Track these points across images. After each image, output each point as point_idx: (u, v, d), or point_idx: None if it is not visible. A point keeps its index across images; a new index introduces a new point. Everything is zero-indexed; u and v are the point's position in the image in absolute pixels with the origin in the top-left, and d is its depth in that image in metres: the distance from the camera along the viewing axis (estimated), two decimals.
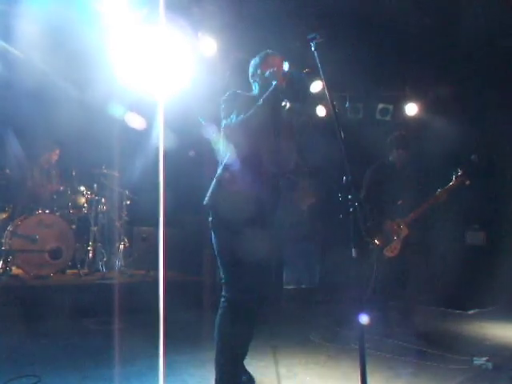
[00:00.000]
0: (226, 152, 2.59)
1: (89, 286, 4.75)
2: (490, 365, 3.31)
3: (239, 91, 2.64)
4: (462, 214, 6.93)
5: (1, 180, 5.02)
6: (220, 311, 2.56)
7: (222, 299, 2.53)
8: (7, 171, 5.07)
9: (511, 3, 4.69)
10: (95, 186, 5.70)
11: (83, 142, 5.96)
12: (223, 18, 5.35)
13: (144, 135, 6.24)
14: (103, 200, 5.73)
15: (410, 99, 6.77)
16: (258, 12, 5.30)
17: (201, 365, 3.16)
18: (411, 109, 6.78)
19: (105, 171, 5.73)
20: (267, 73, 2.52)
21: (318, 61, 2.25)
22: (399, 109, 6.82)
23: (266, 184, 2.53)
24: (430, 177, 5.44)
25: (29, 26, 4.61)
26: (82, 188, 5.50)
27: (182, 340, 3.78)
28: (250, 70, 2.76)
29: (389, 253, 4.21)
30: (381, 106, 6.75)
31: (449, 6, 5.02)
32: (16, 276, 4.70)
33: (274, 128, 2.56)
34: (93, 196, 5.64)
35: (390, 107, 6.79)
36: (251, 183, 2.47)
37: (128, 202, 5.85)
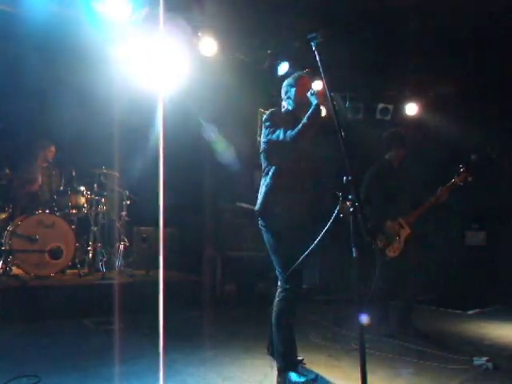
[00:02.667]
0: (270, 162, 2.98)
1: (89, 286, 4.74)
2: (489, 365, 3.32)
3: (276, 109, 3.12)
4: (462, 214, 6.93)
5: (1, 180, 5.02)
6: (279, 298, 2.98)
7: (280, 289, 2.99)
8: (7, 171, 5.07)
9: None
10: (95, 186, 5.70)
11: (83, 142, 5.96)
12: (223, 18, 5.34)
13: (144, 135, 6.25)
14: (103, 200, 5.73)
15: (410, 99, 6.78)
16: (258, 12, 5.30)
17: (201, 364, 3.17)
18: (411, 109, 6.79)
19: (105, 171, 5.73)
20: (309, 93, 2.88)
21: (318, 61, 2.25)
22: (399, 109, 6.83)
23: (306, 189, 3.02)
24: (429, 176, 5.44)
25: (29, 26, 4.61)
26: (82, 188, 5.49)
27: (181, 340, 3.78)
28: (284, 89, 3.16)
29: (391, 253, 4.21)
30: (381, 105, 6.75)
31: (449, 6, 5.02)
32: (16, 276, 4.70)
33: (311, 141, 3.04)
34: (93, 196, 5.63)
35: (390, 107, 6.79)
36: (297, 190, 2.94)
37: (128, 202, 5.85)
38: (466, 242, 7.09)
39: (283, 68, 6.12)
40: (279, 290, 3.00)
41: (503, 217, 6.77)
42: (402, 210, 4.25)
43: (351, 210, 1.97)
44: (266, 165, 3.03)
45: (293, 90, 3.09)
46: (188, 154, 6.47)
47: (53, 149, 5.71)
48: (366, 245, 1.98)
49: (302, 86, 3.04)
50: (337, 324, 4.53)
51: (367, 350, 2.17)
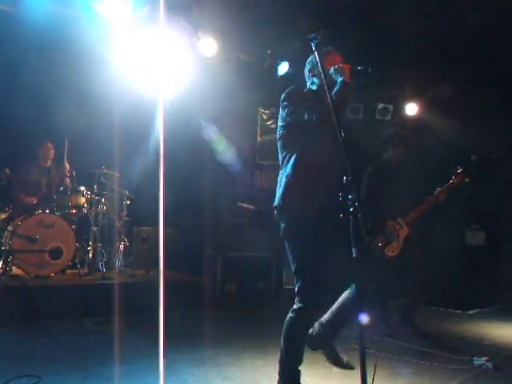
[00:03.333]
0: (291, 149, 2.57)
1: (89, 286, 4.74)
2: (489, 365, 3.32)
3: (297, 88, 2.69)
4: (462, 214, 6.93)
5: (1, 180, 5.02)
6: (290, 319, 2.55)
7: (294, 306, 2.53)
8: (7, 171, 5.07)
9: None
10: (95, 186, 5.70)
11: (83, 142, 5.96)
12: (223, 18, 5.34)
13: (144, 135, 6.24)
14: (103, 200, 5.73)
15: (410, 99, 6.78)
16: (258, 12, 5.30)
17: (201, 364, 3.17)
18: (411, 109, 6.79)
19: (105, 171, 5.73)
20: (331, 69, 2.54)
21: (318, 61, 2.25)
22: (399, 109, 6.83)
23: (336, 180, 2.44)
24: (429, 176, 5.44)
25: (29, 25, 4.61)
26: (82, 188, 5.49)
27: (181, 340, 3.78)
28: (308, 65, 2.78)
29: (390, 253, 4.21)
30: (381, 105, 6.76)
31: (449, 6, 5.02)
32: (16, 276, 4.70)
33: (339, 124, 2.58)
34: (93, 196, 5.63)
35: (390, 107, 6.79)
36: (323, 179, 2.50)
37: (128, 202, 5.85)
38: (465, 242, 7.09)
39: (283, 68, 6.12)
40: (293, 307, 2.56)
41: (503, 217, 6.77)
42: (401, 209, 4.26)
43: (351, 209, 1.96)
44: (284, 153, 2.63)
45: (319, 66, 2.58)
46: (188, 154, 6.47)
47: (49, 145, 5.67)
48: (366, 245, 1.97)
49: (329, 62, 2.62)
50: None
51: (367, 350, 2.17)
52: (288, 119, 2.57)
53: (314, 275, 2.44)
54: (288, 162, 2.56)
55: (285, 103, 2.61)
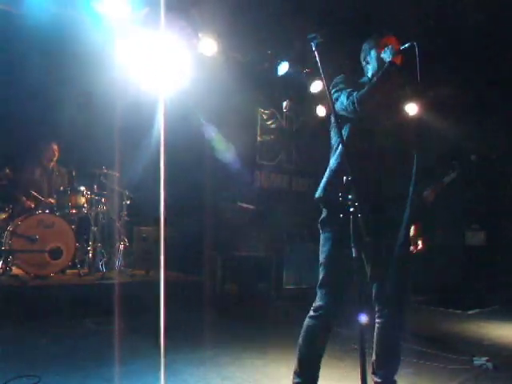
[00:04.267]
0: (337, 140, 2.46)
1: (89, 286, 4.74)
2: (489, 365, 3.32)
3: (347, 75, 2.56)
4: (462, 214, 6.94)
5: (1, 180, 5.02)
6: (309, 318, 2.44)
7: (314, 306, 2.42)
8: (7, 171, 5.07)
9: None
10: (95, 186, 5.70)
11: (83, 141, 5.96)
12: (223, 18, 5.34)
13: (144, 135, 6.24)
14: (103, 200, 5.73)
15: (410, 99, 6.77)
16: (258, 12, 5.30)
17: (200, 364, 3.17)
18: (411, 109, 6.78)
19: (105, 171, 5.73)
20: (382, 53, 2.43)
21: (318, 61, 2.25)
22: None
23: (388, 170, 2.34)
24: (429, 176, 5.45)
25: (30, 26, 4.61)
26: (82, 188, 5.49)
27: (181, 340, 3.78)
28: (362, 53, 2.65)
29: None
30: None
31: (449, 6, 5.02)
32: (16, 276, 4.70)
33: (391, 108, 2.46)
34: (93, 196, 5.63)
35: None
36: (371, 169, 2.29)
37: (128, 202, 5.85)
38: (465, 242, 7.10)
39: (283, 68, 6.13)
40: (312, 307, 2.44)
41: (503, 217, 6.77)
42: None
43: (351, 209, 1.96)
44: (333, 141, 2.50)
45: (373, 52, 2.54)
46: (188, 154, 6.47)
47: (55, 147, 5.68)
48: (366, 245, 1.96)
49: (381, 47, 2.48)
50: (337, 324, 4.52)
51: (367, 350, 2.16)
52: (334, 107, 2.40)
53: (339, 271, 2.32)
54: (335, 152, 2.45)
55: (334, 89, 2.46)
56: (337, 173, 2.37)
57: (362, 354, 1.87)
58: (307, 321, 2.43)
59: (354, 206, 1.94)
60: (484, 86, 6.16)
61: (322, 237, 2.44)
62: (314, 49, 2.30)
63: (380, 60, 2.48)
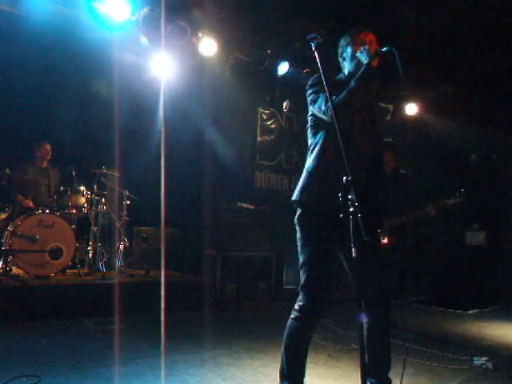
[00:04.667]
0: (314, 141, 2.43)
1: (89, 286, 4.74)
2: (490, 365, 3.32)
3: (325, 75, 2.49)
4: (462, 214, 6.94)
5: (1, 180, 5.02)
6: (291, 319, 2.40)
7: (296, 307, 2.38)
8: (7, 171, 5.07)
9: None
10: (95, 186, 5.70)
11: (83, 141, 5.96)
12: (223, 18, 5.34)
13: (145, 135, 6.24)
14: (103, 200, 5.73)
15: (410, 99, 6.78)
16: (258, 12, 5.30)
17: (201, 364, 3.17)
18: (411, 109, 6.79)
19: (105, 171, 5.73)
20: (358, 52, 2.36)
21: (318, 61, 2.24)
22: (399, 109, 6.83)
23: (363, 171, 2.33)
24: (429, 176, 5.45)
25: (30, 26, 4.61)
26: (82, 188, 5.49)
27: (182, 340, 3.79)
28: (339, 49, 2.55)
29: None
30: (381, 105, 6.75)
31: (449, 6, 5.02)
32: (16, 276, 4.69)
33: (368, 111, 2.43)
34: (93, 196, 5.63)
35: (390, 107, 6.78)
36: (345, 172, 2.20)
37: (128, 202, 5.85)
38: (466, 242, 7.10)
39: (283, 68, 6.13)
40: (294, 306, 2.41)
41: (503, 217, 6.77)
42: (390, 213, 4.27)
43: (351, 209, 1.96)
44: (310, 142, 2.47)
45: (349, 49, 2.47)
46: (188, 154, 6.47)
47: (47, 146, 5.68)
48: (366, 245, 1.96)
49: (358, 44, 2.40)
50: (337, 324, 4.53)
51: (367, 350, 2.17)
52: (310, 108, 2.42)
53: (309, 269, 2.34)
54: (311, 153, 2.43)
55: (309, 91, 2.43)
56: (313, 175, 2.39)
57: (361, 354, 1.87)
58: (290, 322, 2.40)
59: (354, 206, 1.94)
60: (484, 85, 6.15)
61: (298, 235, 2.42)
62: (313, 49, 2.30)
63: (356, 59, 2.41)
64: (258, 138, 7.07)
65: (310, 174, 2.41)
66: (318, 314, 2.39)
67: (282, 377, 2.39)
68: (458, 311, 5.82)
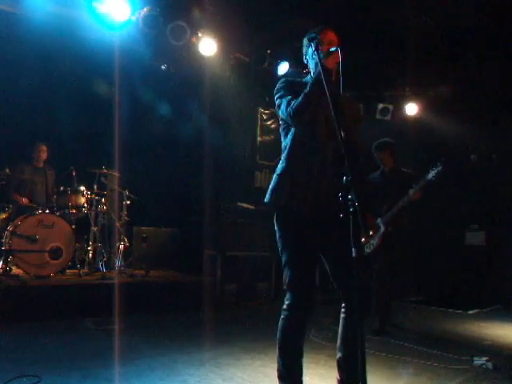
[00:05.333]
0: (284, 143, 2.48)
1: (89, 286, 4.74)
2: (490, 365, 3.32)
3: (291, 78, 2.53)
4: (462, 214, 6.94)
5: (1, 180, 5.02)
6: (282, 319, 2.41)
7: (285, 306, 2.40)
8: (7, 171, 5.07)
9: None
10: (95, 185, 5.70)
11: (83, 141, 5.96)
12: (223, 18, 5.34)
13: (145, 135, 6.24)
14: (103, 200, 5.73)
15: (410, 99, 6.78)
16: (258, 12, 5.30)
17: (201, 364, 3.17)
18: (411, 109, 6.79)
19: (105, 171, 5.73)
20: (313, 54, 2.31)
21: (318, 61, 2.24)
22: (399, 109, 6.83)
23: (327, 173, 2.35)
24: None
25: (30, 26, 4.61)
26: (82, 188, 5.49)
27: (182, 340, 3.78)
28: (303, 49, 2.55)
29: (367, 249, 4.25)
30: (381, 106, 6.76)
31: (449, 6, 5.02)
32: (16, 276, 4.69)
33: (334, 112, 2.27)
34: (93, 196, 5.63)
35: (391, 107, 6.80)
36: (311, 172, 2.35)
37: (128, 202, 5.85)
38: (465, 242, 7.10)
39: (283, 68, 6.13)
40: (283, 306, 2.43)
41: (503, 217, 6.77)
42: (385, 210, 4.31)
43: (351, 209, 1.96)
44: (283, 144, 2.51)
45: (310, 50, 2.42)
46: (188, 154, 6.48)
47: (44, 148, 5.72)
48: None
49: (318, 44, 2.33)
50: (337, 324, 4.52)
51: (367, 350, 2.16)
52: (278, 113, 2.47)
53: (302, 270, 2.36)
54: (282, 155, 2.48)
55: (277, 95, 2.46)
56: (282, 177, 2.43)
57: (362, 354, 1.86)
58: (281, 322, 2.41)
59: (354, 206, 1.93)
60: (484, 85, 6.15)
61: (277, 235, 2.45)
62: (313, 49, 2.30)
63: (314, 59, 2.37)
64: (258, 138, 7.07)
65: (279, 175, 2.46)
66: (305, 310, 2.40)
67: (280, 378, 2.39)
68: (458, 311, 5.82)
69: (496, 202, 6.68)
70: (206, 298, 5.13)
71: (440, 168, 4.03)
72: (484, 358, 3.40)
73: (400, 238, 4.46)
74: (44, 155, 5.73)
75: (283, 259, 2.42)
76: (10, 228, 4.85)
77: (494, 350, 3.83)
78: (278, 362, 2.40)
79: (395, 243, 4.35)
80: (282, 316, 2.41)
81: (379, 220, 4.28)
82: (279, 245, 2.44)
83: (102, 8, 4.63)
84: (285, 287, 2.41)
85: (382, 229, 4.25)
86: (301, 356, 2.40)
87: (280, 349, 2.40)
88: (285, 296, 2.42)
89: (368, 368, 1.97)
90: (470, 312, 5.79)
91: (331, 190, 2.21)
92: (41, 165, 5.73)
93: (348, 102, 2.54)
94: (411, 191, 4.15)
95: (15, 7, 4.66)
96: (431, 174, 4.07)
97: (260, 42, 5.95)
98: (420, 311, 5.73)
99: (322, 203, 2.31)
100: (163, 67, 5.67)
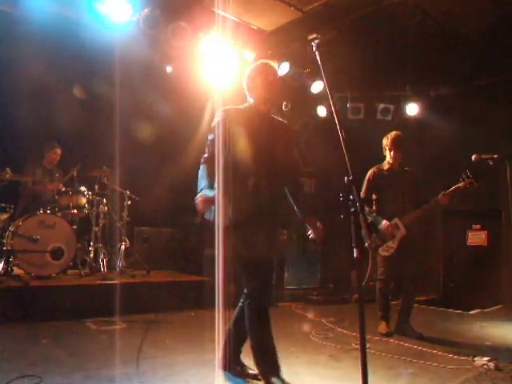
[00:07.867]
0: None
1: (90, 287, 4.74)
2: (491, 365, 3.31)
3: (229, 107, 2.78)
4: (464, 214, 6.93)
5: (1, 180, 5.03)
6: (245, 310, 2.90)
7: (244, 305, 2.87)
8: (8, 171, 5.07)
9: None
10: (96, 186, 5.71)
11: (84, 142, 5.97)
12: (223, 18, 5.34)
13: (146, 136, 6.24)
14: (104, 200, 5.74)
15: (411, 99, 6.78)
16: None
17: (202, 365, 3.17)
18: (412, 109, 6.79)
19: (106, 171, 5.73)
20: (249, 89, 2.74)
21: (319, 61, 2.25)
22: (400, 109, 6.83)
23: (264, 191, 2.77)
24: (430, 176, 5.45)
25: (31, 27, 4.62)
26: (83, 188, 5.50)
27: (182, 340, 3.79)
28: (244, 81, 2.84)
29: (384, 252, 4.20)
30: (382, 106, 6.76)
31: (449, 6, 5.02)
32: (17, 276, 4.70)
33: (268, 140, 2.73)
34: (94, 196, 5.64)
35: (391, 107, 6.79)
36: (246, 191, 2.79)
37: (129, 202, 5.85)
38: (467, 242, 7.09)
39: (283, 68, 6.12)
40: (242, 301, 2.98)
41: (505, 216, 6.76)
42: (401, 211, 4.23)
43: (352, 210, 1.96)
44: None
45: (250, 84, 2.80)
46: (188, 154, 6.47)
47: (58, 151, 5.73)
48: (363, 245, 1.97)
49: (261, 77, 2.74)
50: (337, 324, 4.53)
51: (368, 350, 2.17)
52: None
53: (252, 267, 2.86)
54: None
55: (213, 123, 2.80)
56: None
57: (362, 354, 1.87)
58: (247, 313, 2.85)
59: (355, 207, 1.94)
60: (484, 85, 6.15)
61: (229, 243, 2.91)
62: (314, 49, 2.30)
63: (259, 91, 2.79)
64: None
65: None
66: (264, 295, 2.86)
67: (261, 371, 2.70)
68: (459, 311, 5.81)
69: (497, 201, 6.67)
70: (206, 298, 5.13)
71: (471, 179, 4.05)
72: (485, 359, 3.40)
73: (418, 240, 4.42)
74: (57, 158, 5.75)
75: (237, 264, 2.94)
76: (11, 228, 4.86)
77: (496, 351, 3.83)
78: (257, 362, 2.73)
79: (416, 245, 4.31)
80: (245, 314, 2.88)
81: (396, 220, 4.20)
82: (232, 251, 2.97)
83: (103, 8, 4.63)
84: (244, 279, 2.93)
85: (403, 231, 4.17)
86: (274, 349, 2.77)
87: (255, 339, 2.82)
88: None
89: (369, 368, 1.97)
90: (471, 312, 5.78)
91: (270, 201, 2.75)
92: (51, 166, 5.74)
93: (283, 126, 2.86)
94: (440, 195, 4.08)
95: (15, 7, 4.66)
96: (463, 183, 4.06)
97: (260, 41, 5.95)
98: (420, 311, 5.73)
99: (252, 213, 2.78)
100: (168, 69, 5.65)
